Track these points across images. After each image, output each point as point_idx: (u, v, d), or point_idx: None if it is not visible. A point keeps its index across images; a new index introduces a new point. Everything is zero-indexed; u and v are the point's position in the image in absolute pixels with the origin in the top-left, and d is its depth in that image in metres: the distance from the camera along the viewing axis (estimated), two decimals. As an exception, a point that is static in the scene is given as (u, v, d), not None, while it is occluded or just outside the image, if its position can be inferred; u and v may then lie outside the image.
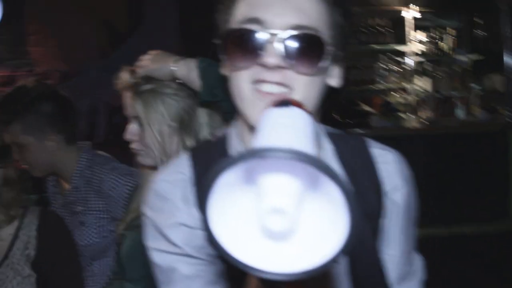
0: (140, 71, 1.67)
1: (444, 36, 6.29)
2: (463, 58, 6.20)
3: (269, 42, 0.99)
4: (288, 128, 0.73)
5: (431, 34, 6.29)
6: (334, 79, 1.11)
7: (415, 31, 6.22)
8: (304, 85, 1.01)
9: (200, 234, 1.05)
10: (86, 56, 4.93)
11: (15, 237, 1.97)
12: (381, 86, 6.22)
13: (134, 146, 1.70)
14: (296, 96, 0.98)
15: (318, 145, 1.12)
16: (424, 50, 6.23)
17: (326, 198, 0.64)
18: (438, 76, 6.12)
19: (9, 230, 1.98)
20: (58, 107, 2.21)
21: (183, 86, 1.65)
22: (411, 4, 6.10)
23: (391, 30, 6.28)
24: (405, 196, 1.14)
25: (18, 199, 2.02)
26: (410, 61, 6.22)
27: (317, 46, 1.01)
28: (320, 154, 1.10)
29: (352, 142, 1.17)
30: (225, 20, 1.08)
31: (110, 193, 2.16)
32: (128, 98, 1.70)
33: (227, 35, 1.04)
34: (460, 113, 5.74)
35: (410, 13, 6.13)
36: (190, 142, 1.64)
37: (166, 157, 1.63)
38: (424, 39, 6.23)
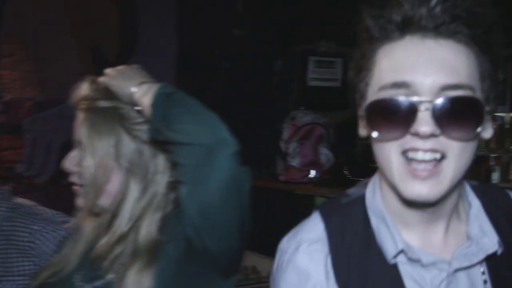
0: (101, 83, 1.45)
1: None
2: (501, 114, 5.58)
3: (420, 109, 0.95)
4: None
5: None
6: (487, 130, 1.04)
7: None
8: (459, 151, 0.97)
9: None
10: (67, 85, 4.37)
11: None
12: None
13: (73, 178, 1.46)
14: (449, 163, 0.97)
15: (467, 201, 1.12)
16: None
17: None
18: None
19: None
20: None
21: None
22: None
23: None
24: None
25: None
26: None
27: (473, 109, 0.97)
28: (470, 212, 1.10)
29: (497, 196, 1.17)
30: (365, 84, 1.05)
31: (42, 248, 1.78)
32: (78, 116, 1.45)
33: (374, 106, 1.01)
34: (495, 176, 5.19)
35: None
36: (137, 192, 1.40)
37: (97, 199, 1.41)
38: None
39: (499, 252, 1.07)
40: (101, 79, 1.46)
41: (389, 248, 1.06)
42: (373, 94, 1.03)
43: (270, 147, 4.35)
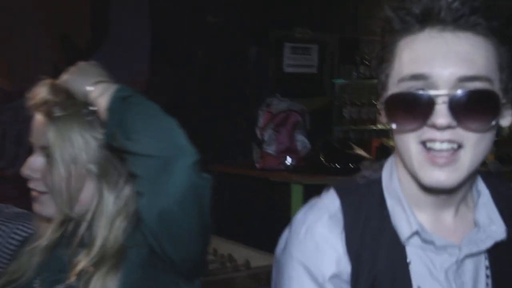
0: (61, 85, 1.36)
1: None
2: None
3: (437, 101, 0.98)
4: None
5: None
6: (506, 118, 1.07)
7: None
8: (476, 142, 1.00)
9: (345, 286, 1.11)
10: (37, 75, 4.27)
11: None
12: (382, 127, 5.57)
13: (33, 185, 1.39)
14: (466, 152, 1.00)
15: (476, 190, 1.15)
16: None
17: None
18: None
19: None
20: None
21: None
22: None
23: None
24: None
25: None
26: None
27: (489, 101, 0.99)
28: (479, 200, 1.13)
29: (500, 187, 1.19)
30: (386, 75, 1.08)
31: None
32: (38, 121, 1.37)
33: (393, 99, 1.04)
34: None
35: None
36: (110, 198, 1.36)
37: (71, 209, 1.35)
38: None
39: (504, 243, 1.10)
40: (61, 80, 1.38)
41: (404, 229, 1.10)
42: (393, 85, 1.06)
43: (246, 135, 4.31)
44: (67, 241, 1.40)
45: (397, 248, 1.10)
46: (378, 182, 1.18)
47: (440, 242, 1.09)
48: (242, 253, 3.30)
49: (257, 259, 3.16)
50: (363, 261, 1.11)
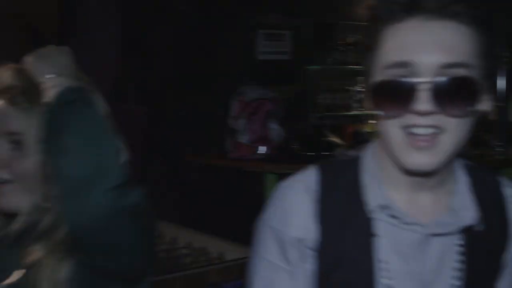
0: (26, 71, 1.31)
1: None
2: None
3: (420, 88, 1.01)
4: None
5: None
6: (484, 103, 1.09)
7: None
8: (456, 126, 1.04)
9: (308, 253, 1.18)
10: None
11: None
12: (357, 113, 5.56)
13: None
14: (447, 136, 1.04)
15: (455, 177, 1.20)
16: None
17: None
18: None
19: None
20: None
21: None
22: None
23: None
24: None
25: None
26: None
27: (470, 87, 1.03)
28: (455, 187, 1.18)
29: (487, 178, 1.24)
30: (371, 63, 1.11)
31: None
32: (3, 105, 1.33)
33: (377, 87, 1.08)
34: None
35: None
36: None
37: (42, 198, 1.31)
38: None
39: (478, 229, 1.15)
40: (24, 62, 1.31)
41: (372, 202, 1.15)
42: (377, 73, 1.10)
43: (219, 124, 4.25)
44: (13, 238, 1.35)
45: (365, 221, 1.16)
46: (358, 160, 1.24)
47: (406, 219, 1.14)
48: (216, 246, 3.27)
49: (231, 252, 3.13)
50: (330, 231, 1.17)
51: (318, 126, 4.97)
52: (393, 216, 1.15)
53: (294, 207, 1.20)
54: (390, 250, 1.15)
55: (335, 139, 4.40)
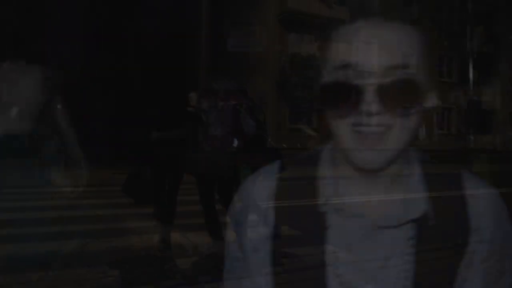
0: None
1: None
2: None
3: (366, 90, 1.04)
4: None
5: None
6: (430, 101, 1.13)
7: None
8: (403, 125, 1.07)
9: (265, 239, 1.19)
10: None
11: None
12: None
13: None
14: (394, 135, 1.07)
15: (410, 171, 1.21)
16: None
17: None
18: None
19: None
20: None
21: None
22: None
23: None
24: (494, 239, 1.17)
25: None
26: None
27: (415, 88, 1.06)
28: (407, 180, 1.20)
29: (448, 172, 1.24)
30: (321, 65, 1.14)
31: None
32: None
33: (324, 88, 1.11)
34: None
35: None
36: None
37: None
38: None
39: (431, 222, 1.16)
40: None
41: (326, 194, 1.18)
42: (326, 74, 1.12)
43: (192, 118, 4.19)
44: None
45: (317, 213, 1.18)
46: (319, 152, 1.27)
47: (356, 211, 1.17)
48: (192, 241, 3.26)
49: (206, 247, 3.12)
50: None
51: (293, 118, 4.94)
52: (344, 209, 1.18)
53: (250, 191, 1.25)
54: (340, 241, 1.18)
55: (309, 131, 4.42)
